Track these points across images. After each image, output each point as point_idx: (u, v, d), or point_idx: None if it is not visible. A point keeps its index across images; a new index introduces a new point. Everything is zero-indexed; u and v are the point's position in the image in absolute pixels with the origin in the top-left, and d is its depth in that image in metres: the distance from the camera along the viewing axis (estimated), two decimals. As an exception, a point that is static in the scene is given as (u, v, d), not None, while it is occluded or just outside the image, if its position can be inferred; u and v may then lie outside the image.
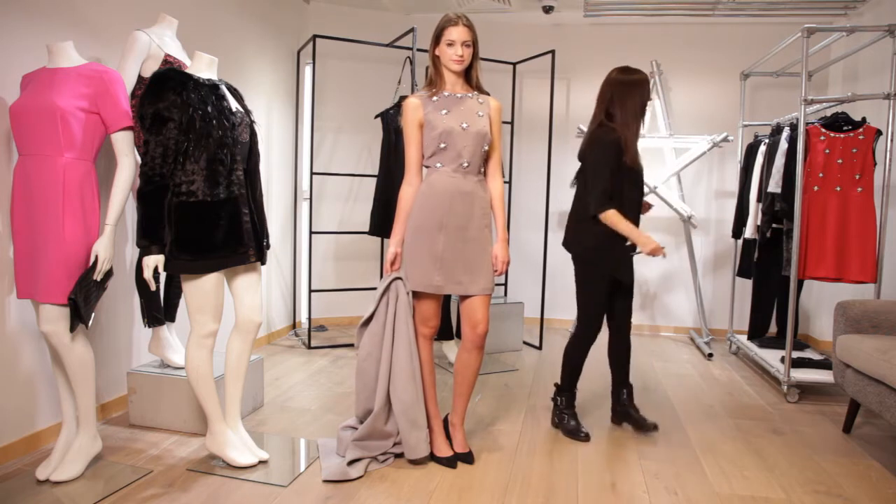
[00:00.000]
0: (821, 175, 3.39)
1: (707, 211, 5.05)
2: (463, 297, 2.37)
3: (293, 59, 4.70)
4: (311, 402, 3.15)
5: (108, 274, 2.17)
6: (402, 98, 2.42)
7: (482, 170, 2.40)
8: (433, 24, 2.38)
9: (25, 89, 2.18)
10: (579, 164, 2.79)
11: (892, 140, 3.27)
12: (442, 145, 2.29)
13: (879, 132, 3.40)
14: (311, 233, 4.41)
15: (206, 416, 2.36)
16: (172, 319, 2.86)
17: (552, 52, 4.37)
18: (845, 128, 3.43)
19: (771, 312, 4.19)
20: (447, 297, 3.78)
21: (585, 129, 4.52)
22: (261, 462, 2.38)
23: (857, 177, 3.36)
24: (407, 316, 2.36)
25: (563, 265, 5.28)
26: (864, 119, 3.48)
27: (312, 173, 4.36)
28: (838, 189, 3.38)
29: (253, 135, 2.38)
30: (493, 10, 5.03)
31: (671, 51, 4.97)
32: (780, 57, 4.14)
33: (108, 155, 2.39)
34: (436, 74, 2.35)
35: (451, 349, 3.98)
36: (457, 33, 2.25)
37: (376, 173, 4.30)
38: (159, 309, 2.79)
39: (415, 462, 2.40)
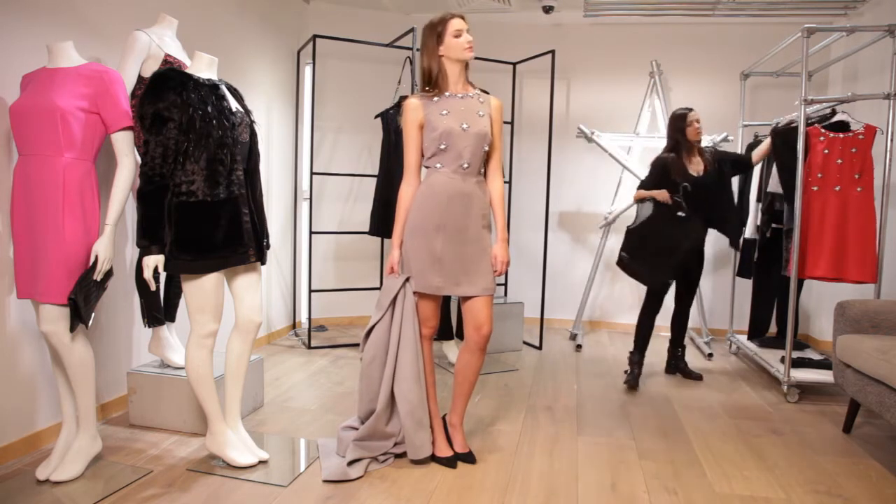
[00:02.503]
0: (819, 175, 3.39)
1: (707, 211, 5.05)
2: (465, 299, 2.37)
3: (293, 59, 4.70)
4: (311, 402, 3.15)
5: (108, 274, 2.17)
6: (402, 98, 2.42)
7: (482, 170, 2.40)
8: (433, 24, 2.38)
9: (25, 89, 2.18)
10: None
11: (892, 140, 3.27)
12: (442, 146, 2.29)
13: (881, 131, 3.40)
14: (311, 233, 4.41)
15: (206, 416, 2.36)
16: (172, 319, 2.86)
17: (552, 52, 4.36)
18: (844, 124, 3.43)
19: (771, 312, 4.19)
20: (447, 298, 3.78)
21: (586, 129, 4.58)
22: (261, 462, 2.38)
23: (857, 176, 3.36)
24: (413, 316, 2.35)
25: (563, 265, 5.30)
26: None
27: (312, 173, 4.36)
28: (838, 189, 3.38)
29: (253, 135, 2.38)
30: (493, 10, 5.03)
31: (671, 51, 4.97)
32: (780, 57, 4.14)
33: (108, 155, 2.39)
34: (440, 75, 2.34)
35: (451, 349, 3.98)
36: (458, 24, 2.29)
37: (376, 173, 4.30)
38: (159, 309, 2.79)
39: (417, 462, 2.40)
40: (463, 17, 2.32)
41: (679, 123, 3.53)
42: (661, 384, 3.63)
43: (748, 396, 3.44)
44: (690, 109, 3.54)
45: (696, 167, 3.51)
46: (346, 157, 5.05)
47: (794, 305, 3.48)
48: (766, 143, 3.71)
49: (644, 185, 3.62)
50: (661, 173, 3.52)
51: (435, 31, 2.30)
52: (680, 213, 3.44)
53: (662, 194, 3.47)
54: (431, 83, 2.35)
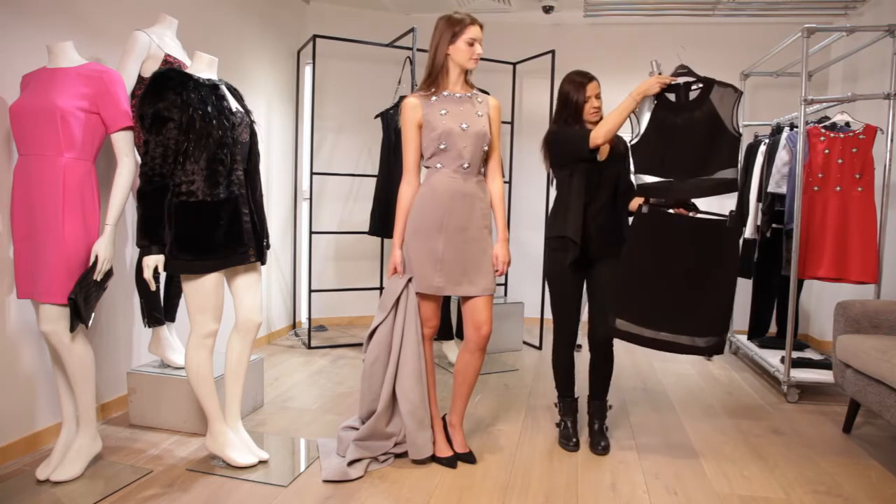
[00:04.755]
0: (820, 175, 3.39)
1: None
2: (465, 299, 2.37)
3: (293, 59, 4.70)
4: (311, 402, 3.15)
5: (108, 274, 2.17)
6: (402, 98, 2.42)
7: (482, 170, 2.40)
8: (433, 24, 2.37)
9: (25, 89, 2.18)
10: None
11: (892, 140, 3.27)
12: (442, 146, 2.29)
13: (881, 130, 3.40)
14: (311, 233, 4.41)
15: (206, 416, 2.36)
16: (172, 319, 2.86)
17: (552, 52, 4.37)
18: (845, 126, 3.43)
19: (771, 312, 4.19)
20: (447, 298, 3.77)
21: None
22: (261, 462, 2.38)
23: (858, 176, 3.36)
24: (416, 316, 2.36)
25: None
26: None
27: (312, 173, 4.36)
28: (838, 189, 3.37)
29: (253, 135, 2.38)
30: (493, 10, 5.03)
31: (671, 51, 4.96)
32: (780, 57, 4.14)
33: (108, 155, 2.39)
34: (442, 72, 2.33)
35: (451, 349, 3.98)
36: (476, 32, 2.29)
37: (376, 173, 4.30)
38: (159, 309, 2.79)
39: (418, 462, 2.40)
40: (482, 26, 2.31)
41: (573, 94, 2.54)
42: (661, 384, 3.63)
43: (748, 396, 3.44)
44: (591, 78, 2.58)
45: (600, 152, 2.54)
46: (346, 157, 5.05)
47: (794, 305, 3.48)
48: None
49: (557, 160, 2.57)
50: (566, 142, 2.51)
51: (452, 29, 2.28)
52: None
53: (650, 84, 2.48)
54: (431, 77, 2.34)
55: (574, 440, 2.63)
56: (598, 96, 2.59)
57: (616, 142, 2.60)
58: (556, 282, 2.61)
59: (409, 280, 2.36)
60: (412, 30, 4.04)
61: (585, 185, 2.50)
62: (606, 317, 2.50)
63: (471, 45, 2.29)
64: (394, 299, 2.35)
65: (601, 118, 2.57)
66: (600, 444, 2.59)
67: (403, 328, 2.35)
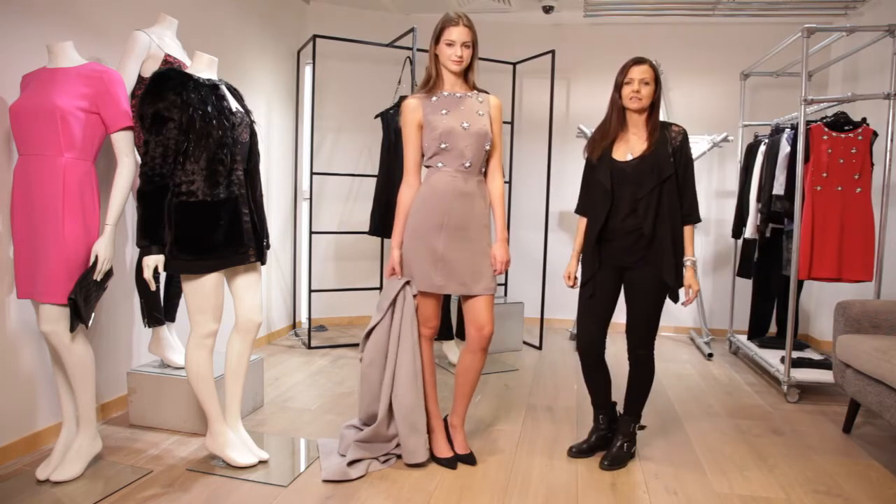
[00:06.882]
0: (824, 175, 3.38)
1: (707, 211, 5.05)
2: (466, 299, 2.37)
3: (293, 59, 4.70)
4: (311, 402, 3.15)
5: (108, 274, 2.17)
6: (402, 98, 2.42)
7: (483, 170, 2.39)
8: (433, 24, 2.36)
9: (25, 89, 2.18)
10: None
11: (891, 140, 3.27)
12: (443, 146, 2.29)
13: (876, 134, 3.40)
14: (311, 233, 4.41)
15: (206, 416, 2.36)
16: (172, 319, 2.86)
17: (552, 52, 4.37)
18: (846, 128, 3.43)
19: (771, 312, 4.19)
20: (447, 297, 3.77)
21: (586, 129, 4.57)
22: (261, 462, 2.38)
23: (856, 177, 3.36)
24: (412, 319, 2.34)
25: (562, 265, 5.27)
26: (864, 119, 3.48)
27: (312, 173, 4.36)
28: (839, 189, 3.38)
29: (253, 135, 2.38)
30: (493, 10, 5.03)
31: (671, 51, 4.97)
32: (780, 57, 4.14)
33: (108, 155, 2.39)
34: (435, 74, 2.34)
35: (451, 349, 3.98)
36: (457, 33, 2.24)
37: (376, 173, 4.30)
38: (159, 309, 2.79)
39: (412, 466, 2.39)
40: (469, 27, 2.24)
41: (618, 74, 2.38)
42: (661, 384, 3.63)
43: (748, 396, 3.44)
44: (641, 61, 2.34)
45: (631, 147, 2.40)
46: (346, 157, 5.05)
47: (794, 305, 3.48)
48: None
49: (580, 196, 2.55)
50: (588, 160, 2.50)
51: (437, 29, 2.28)
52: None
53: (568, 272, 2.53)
54: (426, 77, 2.35)
55: (574, 449, 2.54)
56: (643, 81, 2.31)
57: (657, 144, 2.37)
58: (585, 284, 2.45)
59: (407, 283, 2.35)
60: (412, 30, 4.04)
61: (612, 184, 2.37)
62: None
63: (449, 45, 2.25)
64: (389, 300, 2.34)
65: (645, 106, 2.37)
66: (605, 461, 2.43)
67: (400, 332, 2.34)
